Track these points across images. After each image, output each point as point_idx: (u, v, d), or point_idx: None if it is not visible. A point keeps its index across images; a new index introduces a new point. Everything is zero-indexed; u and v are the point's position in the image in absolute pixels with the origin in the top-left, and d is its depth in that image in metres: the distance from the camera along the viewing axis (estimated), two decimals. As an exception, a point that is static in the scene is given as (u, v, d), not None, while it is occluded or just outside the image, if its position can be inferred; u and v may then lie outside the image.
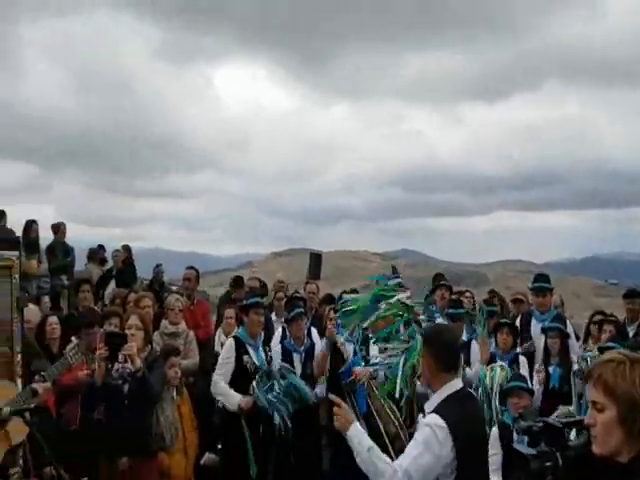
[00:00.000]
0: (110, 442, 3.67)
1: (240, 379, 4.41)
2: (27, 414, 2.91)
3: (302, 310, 5.07)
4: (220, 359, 4.50)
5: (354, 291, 5.41)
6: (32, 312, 5.01)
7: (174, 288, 8.95)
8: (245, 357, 4.47)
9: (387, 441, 4.20)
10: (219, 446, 4.38)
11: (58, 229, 8.89)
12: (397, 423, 4.40)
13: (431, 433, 2.31)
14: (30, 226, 8.26)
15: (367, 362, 4.72)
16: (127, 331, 3.74)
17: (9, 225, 8.09)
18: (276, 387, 4.38)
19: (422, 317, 4.69)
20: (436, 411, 2.39)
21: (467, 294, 6.50)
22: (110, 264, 9.71)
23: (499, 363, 4.72)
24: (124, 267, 10.15)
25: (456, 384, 2.49)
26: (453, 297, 5.82)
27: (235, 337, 4.62)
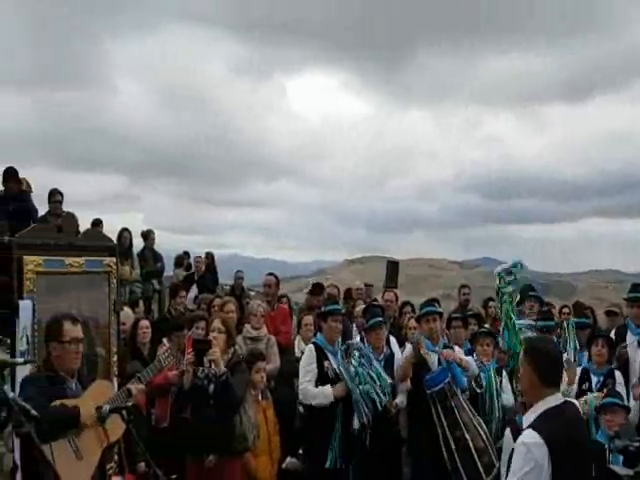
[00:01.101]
0: (196, 440, 3.80)
1: (322, 385, 4.40)
2: (125, 412, 3.08)
3: (381, 319, 5.02)
4: (302, 366, 4.53)
5: (435, 301, 5.28)
6: (126, 315, 5.34)
7: (252, 294, 9.21)
8: (325, 363, 4.47)
9: (475, 455, 4.05)
10: (300, 451, 4.41)
11: (148, 236, 9.42)
12: (485, 437, 4.24)
13: (527, 450, 2.21)
14: (122, 234, 8.81)
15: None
16: (211, 334, 3.88)
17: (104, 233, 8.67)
18: (355, 359, 4.33)
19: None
20: (533, 427, 2.28)
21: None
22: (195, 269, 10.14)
23: (592, 395, 4.41)
24: (207, 273, 10.58)
25: (556, 399, 2.37)
26: (543, 309, 5.55)
27: (314, 343, 4.64)
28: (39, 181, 7.47)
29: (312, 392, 4.35)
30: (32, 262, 3.87)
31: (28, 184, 7.33)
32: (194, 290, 9.02)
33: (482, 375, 4.79)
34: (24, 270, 3.84)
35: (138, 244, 9.47)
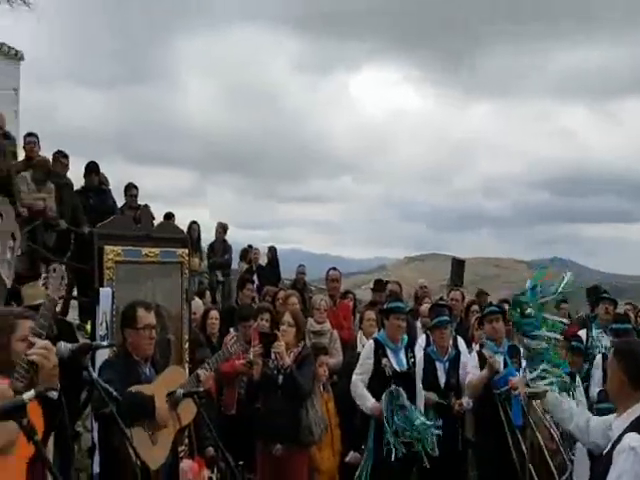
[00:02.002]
0: (265, 429, 3.90)
1: (377, 381, 4.39)
2: (197, 398, 3.20)
3: (447, 318, 4.93)
4: (360, 360, 4.55)
5: (505, 302, 5.12)
6: (197, 305, 5.55)
7: (313, 289, 9.31)
8: (383, 360, 4.44)
9: (547, 456, 3.91)
10: (363, 446, 4.42)
11: (220, 229, 9.75)
12: (557, 438, 4.08)
13: (635, 453, 2.11)
14: (192, 226, 9.16)
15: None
16: (281, 327, 3.95)
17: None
18: (397, 416, 4.21)
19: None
20: (638, 430, 2.16)
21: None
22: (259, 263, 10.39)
23: None
24: (269, 266, 10.81)
25: None
26: (618, 312, 5.26)
27: (375, 339, 4.63)
28: (114, 175, 7.89)
29: (359, 391, 4.35)
30: (112, 252, 4.10)
31: (106, 178, 7.76)
32: (255, 282, 9.23)
33: None
34: (104, 259, 4.07)
35: (205, 237, 9.81)
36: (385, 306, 4.82)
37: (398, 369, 4.42)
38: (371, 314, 5.43)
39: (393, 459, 4.09)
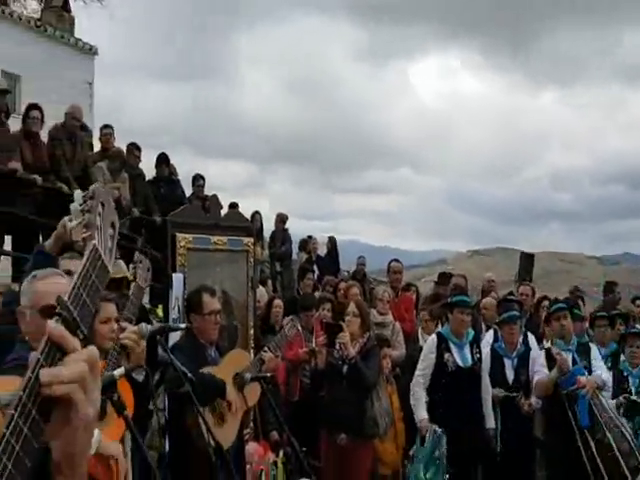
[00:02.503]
0: (329, 418, 3.93)
1: (440, 377, 4.32)
2: (264, 382, 3.27)
3: (516, 313, 4.77)
4: (422, 354, 4.48)
5: (579, 297, 4.90)
6: (261, 293, 5.67)
7: (372, 280, 9.26)
8: (446, 355, 4.35)
9: (619, 458, 3.72)
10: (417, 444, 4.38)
11: (281, 219, 9.89)
12: (630, 439, 3.88)
13: None
14: (254, 216, 9.33)
15: (590, 372, 4.26)
16: (345, 317, 3.96)
17: (237, 217, 9.25)
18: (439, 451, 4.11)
19: None
20: None
21: None
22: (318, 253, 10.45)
23: None
24: (328, 257, 10.85)
25: None
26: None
27: (438, 334, 4.55)
28: (180, 167, 8.17)
29: (417, 394, 4.29)
30: (184, 239, 4.25)
31: (175, 169, 8.04)
32: (315, 272, 9.28)
33: (631, 380, 4.37)
34: (177, 246, 4.23)
35: (265, 228, 9.96)
36: (449, 300, 4.73)
37: (462, 365, 4.34)
38: (425, 315, 5.33)
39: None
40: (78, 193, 1.00)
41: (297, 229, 11.00)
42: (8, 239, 5.80)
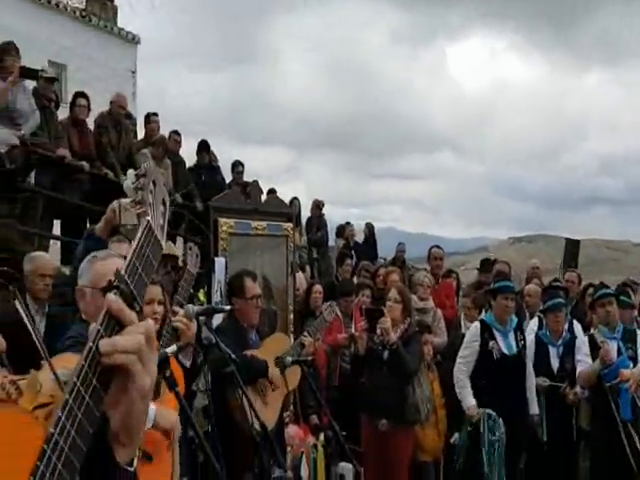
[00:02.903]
0: (370, 404, 3.93)
1: (484, 364, 4.24)
2: (304, 365, 3.30)
3: (562, 301, 4.63)
4: (465, 342, 4.41)
5: (627, 286, 4.71)
6: (299, 278, 5.70)
7: (411, 267, 9.16)
8: (491, 343, 4.27)
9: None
10: (469, 428, 4.33)
11: (317, 206, 9.90)
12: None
13: None
14: (292, 202, 9.36)
15: (636, 361, 4.12)
16: (387, 303, 3.94)
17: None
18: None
19: None
20: None
21: None
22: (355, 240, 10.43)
23: None
24: (366, 244, 10.81)
25: None
26: None
27: (482, 321, 4.46)
28: (219, 154, 8.24)
29: (462, 381, 4.23)
30: (225, 224, 4.31)
31: (215, 156, 8.13)
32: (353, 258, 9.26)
33: None
34: (219, 231, 4.29)
35: (302, 214, 9.98)
36: (492, 286, 4.63)
37: (507, 353, 4.25)
38: (467, 301, 5.24)
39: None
40: (131, 172, 1.01)
41: (333, 216, 10.99)
42: (57, 224, 6.01)
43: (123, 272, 0.82)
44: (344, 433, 3.49)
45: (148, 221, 0.92)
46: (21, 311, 1.44)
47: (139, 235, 0.89)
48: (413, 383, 3.86)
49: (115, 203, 2.88)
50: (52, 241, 5.89)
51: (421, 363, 4.03)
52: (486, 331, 4.31)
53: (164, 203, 1.04)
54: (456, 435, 4.33)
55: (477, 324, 4.42)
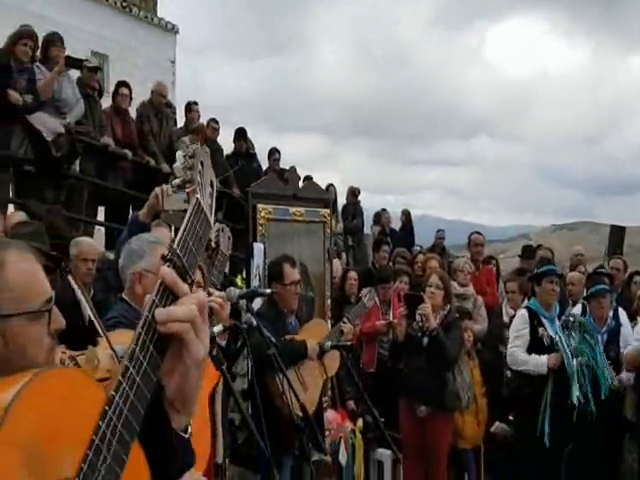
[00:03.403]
0: (409, 390, 3.91)
1: (534, 352, 4.12)
2: (343, 350, 3.30)
3: (606, 287, 4.48)
4: (513, 330, 4.28)
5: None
6: (336, 266, 5.69)
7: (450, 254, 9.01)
8: (540, 329, 4.17)
9: None
10: (511, 417, 4.26)
11: (353, 193, 9.85)
12: None
13: None
14: (328, 188, 9.33)
15: None
16: (427, 289, 3.89)
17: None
18: (577, 333, 3.97)
19: None
20: None
21: None
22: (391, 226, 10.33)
23: None
24: (403, 231, 10.69)
25: None
26: None
27: (527, 307, 4.35)
28: (256, 142, 8.26)
29: (522, 358, 4.11)
30: (264, 210, 4.33)
31: (252, 143, 8.18)
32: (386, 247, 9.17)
33: None
34: (257, 217, 4.32)
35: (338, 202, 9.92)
36: (536, 271, 4.51)
37: (557, 339, 4.14)
38: (513, 285, 5.12)
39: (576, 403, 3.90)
40: (179, 153, 1.03)
41: (368, 203, 10.88)
42: (101, 211, 6.18)
43: (175, 246, 0.84)
44: (382, 419, 3.49)
45: (197, 199, 0.95)
46: (75, 287, 1.49)
47: (189, 212, 0.92)
48: (453, 370, 3.82)
49: (158, 189, 2.93)
50: (97, 227, 6.07)
51: (461, 350, 3.97)
52: (534, 318, 4.22)
53: (212, 184, 1.06)
54: (497, 424, 4.26)
55: (524, 311, 4.30)
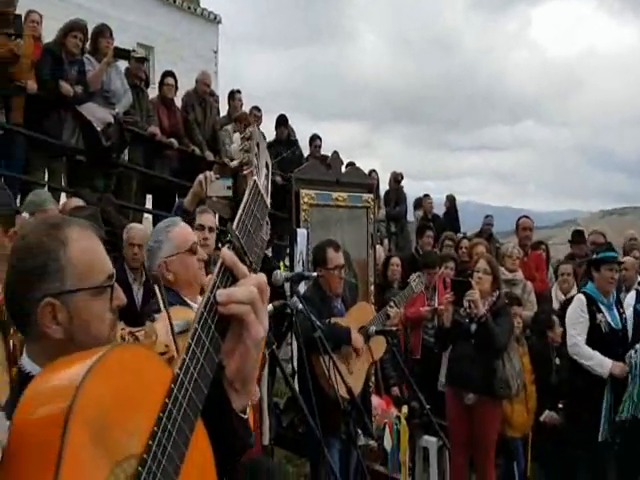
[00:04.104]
0: (456, 377, 3.85)
1: (592, 339, 3.99)
2: (389, 335, 3.28)
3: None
4: (570, 316, 4.12)
5: None
6: (379, 251, 5.65)
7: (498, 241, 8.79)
8: (599, 315, 4.01)
9: None
10: (560, 405, 4.14)
11: (395, 179, 9.73)
12: None
13: None
14: (370, 174, 9.25)
15: None
16: (475, 274, 3.81)
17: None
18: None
19: None
20: None
21: None
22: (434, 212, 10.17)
23: None
24: (447, 216, 10.50)
25: None
26: None
27: (584, 293, 4.19)
28: (297, 129, 8.26)
29: (587, 352, 3.96)
30: (307, 195, 4.34)
31: (293, 130, 8.18)
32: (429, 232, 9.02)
33: None
34: (300, 202, 4.33)
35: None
36: (595, 256, 4.33)
37: (615, 326, 4.01)
38: (567, 268, 4.95)
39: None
40: (237, 136, 1.04)
41: (410, 190, 10.71)
42: (149, 199, 6.33)
43: (234, 228, 0.85)
44: (428, 406, 3.45)
45: (255, 181, 0.95)
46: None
47: (247, 195, 0.93)
48: (503, 358, 3.73)
49: (201, 176, 2.97)
50: (144, 215, 6.23)
51: (511, 337, 3.87)
52: (593, 304, 4.07)
53: (267, 166, 1.06)
54: (546, 412, 4.15)
55: (581, 297, 4.14)
